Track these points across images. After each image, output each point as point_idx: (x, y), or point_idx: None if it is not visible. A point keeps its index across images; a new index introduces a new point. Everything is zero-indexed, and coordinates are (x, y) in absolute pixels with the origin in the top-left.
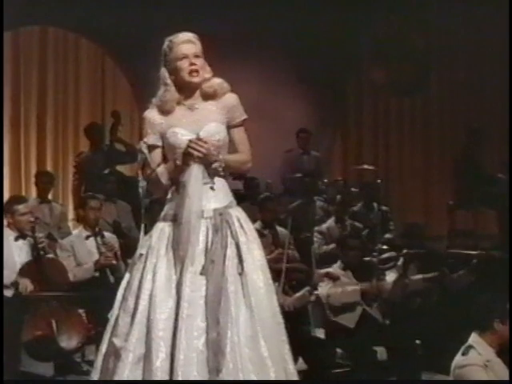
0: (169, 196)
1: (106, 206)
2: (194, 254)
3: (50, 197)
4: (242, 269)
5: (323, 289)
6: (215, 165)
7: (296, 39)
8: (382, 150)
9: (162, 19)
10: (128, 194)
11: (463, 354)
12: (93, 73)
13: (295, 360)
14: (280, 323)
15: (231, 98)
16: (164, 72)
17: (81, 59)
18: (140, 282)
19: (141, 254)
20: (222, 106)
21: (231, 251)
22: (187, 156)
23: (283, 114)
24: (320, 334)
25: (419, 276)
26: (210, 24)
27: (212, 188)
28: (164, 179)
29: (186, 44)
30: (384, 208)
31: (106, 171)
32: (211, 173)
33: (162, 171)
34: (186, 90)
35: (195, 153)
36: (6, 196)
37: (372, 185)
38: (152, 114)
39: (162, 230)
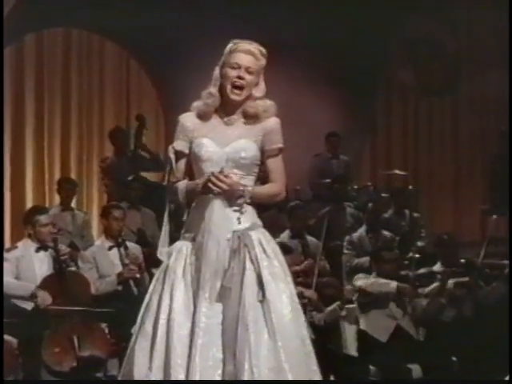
0: (185, 217)
1: (131, 213)
2: (213, 282)
3: (73, 204)
4: (264, 296)
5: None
6: (239, 201)
7: (324, 41)
8: (412, 153)
9: (187, 22)
10: (152, 201)
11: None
12: (117, 76)
13: (327, 378)
14: (309, 352)
15: (272, 121)
16: (217, 72)
17: (105, 62)
18: (158, 306)
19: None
20: (260, 128)
21: (250, 277)
22: (206, 188)
23: (311, 117)
24: (352, 350)
25: (451, 281)
26: (236, 25)
27: (239, 219)
28: (181, 197)
29: (244, 54)
30: (415, 215)
31: (130, 178)
32: (237, 205)
33: (182, 188)
34: (227, 104)
35: (215, 188)
36: (30, 204)
37: (403, 191)
38: (186, 119)
39: (180, 249)
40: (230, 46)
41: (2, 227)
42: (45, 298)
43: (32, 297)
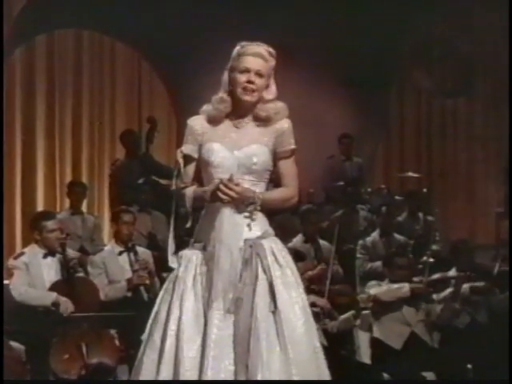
0: (189, 224)
1: (141, 216)
2: (226, 293)
3: (83, 208)
4: (276, 307)
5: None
6: (249, 208)
7: (337, 41)
8: (425, 155)
9: (199, 23)
10: (163, 204)
11: None
12: (129, 78)
13: None
14: (321, 364)
15: (283, 123)
16: (226, 77)
17: (116, 64)
18: (167, 317)
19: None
20: (272, 130)
21: (262, 288)
22: (215, 196)
23: (324, 118)
24: (366, 358)
25: (466, 285)
26: (248, 27)
27: (249, 226)
28: (189, 204)
29: (253, 57)
30: (429, 218)
31: (141, 181)
32: (247, 211)
33: (189, 195)
34: (239, 107)
35: (224, 197)
36: (41, 208)
37: (417, 194)
38: (195, 123)
39: (190, 259)
40: (237, 49)
41: (2, 231)
42: (67, 306)
43: (54, 305)
